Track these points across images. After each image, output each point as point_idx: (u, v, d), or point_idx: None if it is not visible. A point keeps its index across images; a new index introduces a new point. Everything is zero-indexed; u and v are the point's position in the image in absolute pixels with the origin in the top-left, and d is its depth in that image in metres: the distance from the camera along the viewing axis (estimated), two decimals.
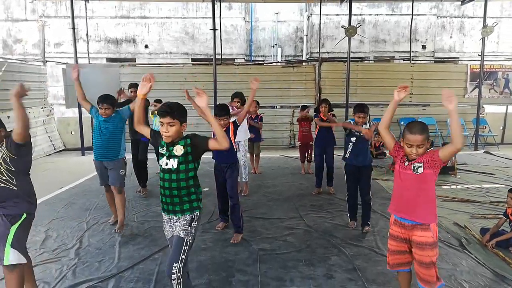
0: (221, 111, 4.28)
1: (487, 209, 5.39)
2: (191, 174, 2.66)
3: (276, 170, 8.08)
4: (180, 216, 2.65)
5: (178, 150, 2.59)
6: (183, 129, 2.60)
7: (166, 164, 2.63)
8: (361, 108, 4.52)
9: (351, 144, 4.55)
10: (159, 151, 2.69)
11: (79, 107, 9.97)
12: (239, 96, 5.95)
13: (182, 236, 2.59)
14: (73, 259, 3.87)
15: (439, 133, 10.97)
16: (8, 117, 8.76)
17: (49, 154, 10.19)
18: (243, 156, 6.02)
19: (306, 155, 7.79)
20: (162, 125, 2.53)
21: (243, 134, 5.85)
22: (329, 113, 6.10)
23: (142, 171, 6.38)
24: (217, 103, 10.06)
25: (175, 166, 2.60)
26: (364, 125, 4.49)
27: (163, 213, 2.76)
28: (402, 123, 11.17)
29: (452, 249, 4.06)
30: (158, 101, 6.98)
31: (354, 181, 4.61)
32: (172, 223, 2.69)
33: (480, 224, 4.67)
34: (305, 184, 6.88)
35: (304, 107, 7.73)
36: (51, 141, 10.55)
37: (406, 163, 2.65)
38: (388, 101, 11.32)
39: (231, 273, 3.54)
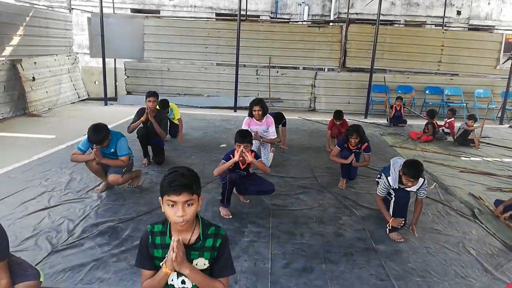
0: (243, 138, 3.73)
1: (504, 182, 5.34)
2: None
3: (294, 131, 8.09)
4: None
5: (201, 265, 1.80)
6: (200, 205, 1.79)
7: (183, 282, 1.81)
8: (416, 173, 3.34)
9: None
10: (161, 265, 1.79)
11: (103, 57, 10.05)
12: (259, 104, 5.14)
13: None
14: (95, 200, 4.08)
15: (465, 104, 10.68)
16: (35, 63, 8.94)
17: (73, 102, 10.43)
18: (265, 158, 5.35)
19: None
20: (172, 206, 1.70)
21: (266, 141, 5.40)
22: (364, 149, 4.83)
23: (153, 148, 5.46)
24: (239, 61, 10.04)
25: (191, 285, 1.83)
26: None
27: None
28: (427, 92, 10.90)
29: (464, 218, 4.09)
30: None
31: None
32: None
33: (495, 196, 4.65)
34: (322, 147, 6.90)
35: (338, 114, 6.34)
36: (75, 89, 10.76)
37: None
38: (415, 68, 10.96)
39: (244, 224, 3.69)
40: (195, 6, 13.01)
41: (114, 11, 11.82)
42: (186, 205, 1.69)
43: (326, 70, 11.68)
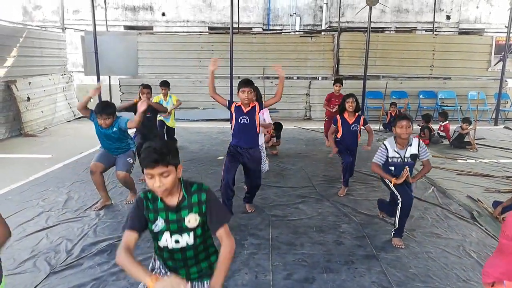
0: (246, 84, 3.86)
1: (502, 183, 5.36)
2: (209, 241, 1.97)
3: (291, 140, 8.11)
4: (196, 283, 1.96)
5: (192, 220, 1.82)
6: (180, 173, 1.82)
7: (177, 242, 1.83)
8: (404, 115, 3.61)
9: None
10: (153, 228, 1.83)
11: (98, 75, 10.08)
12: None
13: None
14: (94, 219, 4.06)
15: (459, 107, 10.75)
16: (30, 83, 8.95)
17: (69, 121, 10.43)
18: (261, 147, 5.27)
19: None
20: (151, 178, 1.73)
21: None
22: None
23: None
24: (233, 73, 10.10)
25: (190, 243, 1.85)
26: (410, 145, 3.56)
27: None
28: (421, 96, 10.97)
29: (463, 220, 4.09)
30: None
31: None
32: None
33: (494, 197, 4.66)
34: (319, 155, 6.92)
35: (338, 80, 7.23)
36: (70, 108, 10.77)
37: None
38: (408, 73, 10.98)
39: (244, 237, 3.67)
40: (187, 21, 13.12)
41: (107, 28, 11.90)
42: (163, 176, 1.74)
43: (320, 79, 11.76)
